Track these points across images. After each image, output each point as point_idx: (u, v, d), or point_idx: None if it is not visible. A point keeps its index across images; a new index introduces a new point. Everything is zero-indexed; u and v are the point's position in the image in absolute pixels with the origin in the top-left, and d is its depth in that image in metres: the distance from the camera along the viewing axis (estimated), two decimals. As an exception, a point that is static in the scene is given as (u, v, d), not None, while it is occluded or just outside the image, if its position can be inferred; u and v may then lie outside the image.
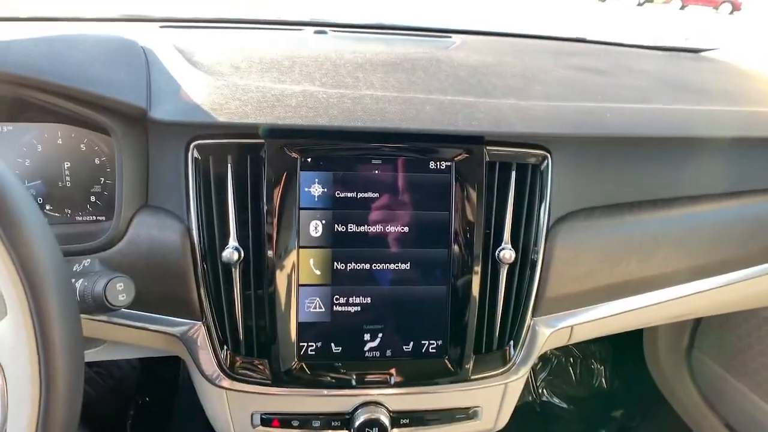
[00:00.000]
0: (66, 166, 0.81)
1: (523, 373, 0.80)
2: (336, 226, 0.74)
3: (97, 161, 0.81)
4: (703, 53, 1.25)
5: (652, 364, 1.63)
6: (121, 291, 0.57)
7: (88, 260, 0.62)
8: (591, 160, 0.82)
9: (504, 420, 0.86)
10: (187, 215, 0.73)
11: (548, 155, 0.78)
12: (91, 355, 1.05)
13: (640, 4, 18.91)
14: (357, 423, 0.78)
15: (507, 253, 0.76)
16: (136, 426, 1.49)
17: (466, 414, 0.83)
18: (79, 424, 1.18)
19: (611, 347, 1.79)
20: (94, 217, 0.82)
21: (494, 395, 0.83)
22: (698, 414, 1.49)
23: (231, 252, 0.71)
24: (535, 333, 0.80)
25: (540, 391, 1.74)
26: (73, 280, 0.59)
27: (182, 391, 1.57)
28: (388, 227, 0.75)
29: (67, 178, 0.82)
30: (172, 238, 0.72)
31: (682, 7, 18.66)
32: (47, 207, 0.82)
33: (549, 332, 0.81)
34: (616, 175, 0.83)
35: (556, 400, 1.76)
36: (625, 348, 1.75)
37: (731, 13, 18.10)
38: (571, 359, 1.79)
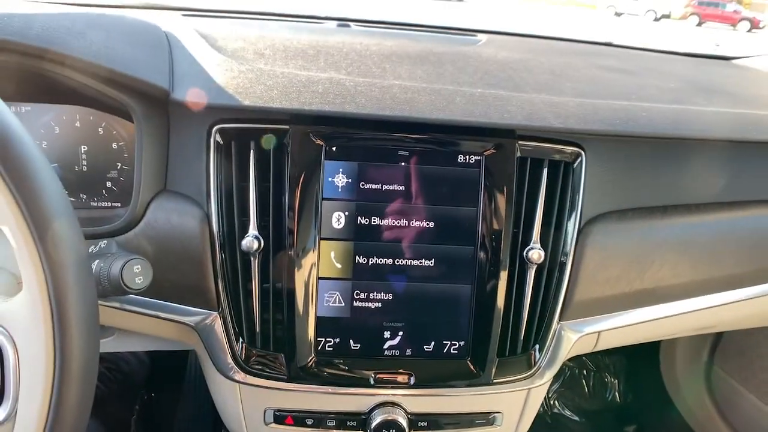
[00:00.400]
0: (83, 150, 0.80)
1: (548, 378, 0.77)
2: (359, 218, 0.72)
3: (114, 146, 0.80)
4: (734, 61, 1.22)
5: (668, 377, 1.58)
6: (138, 273, 0.55)
7: (105, 242, 0.60)
8: (624, 160, 0.79)
9: (525, 428, 0.82)
10: (207, 201, 0.70)
11: (582, 153, 0.75)
12: (103, 345, 1.03)
13: (656, 20, 18.88)
14: (374, 424, 0.75)
15: (536, 253, 0.73)
16: (141, 420, 1.47)
17: (486, 419, 0.79)
18: (95, 416, 1.15)
19: (626, 360, 1.75)
20: (110, 204, 0.80)
21: (516, 401, 0.80)
22: (714, 431, 1.44)
23: (251, 241, 0.69)
24: (561, 338, 0.77)
25: (551, 402, 1.70)
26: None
27: (189, 387, 1.54)
28: (413, 221, 0.72)
29: (84, 163, 0.80)
30: (191, 224, 0.70)
31: (699, 23, 18.61)
32: (63, 191, 0.80)
33: (576, 337, 0.78)
34: (649, 176, 0.80)
35: (567, 413, 1.71)
36: (640, 361, 1.70)
37: (749, 30, 18.01)
38: (584, 371, 1.75)
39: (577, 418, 1.71)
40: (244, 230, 0.70)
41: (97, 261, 0.56)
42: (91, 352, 0.44)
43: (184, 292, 0.72)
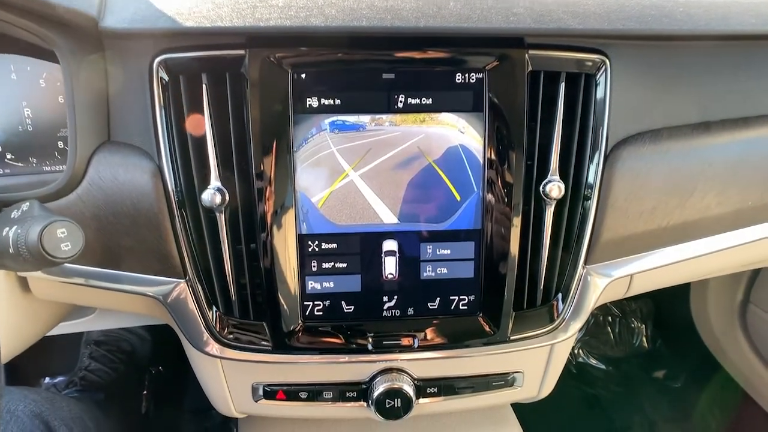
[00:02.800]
0: (25, 106, 0.68)
1: (573, 331, 0.67)
2: (340, 159, 0.60)
3: (61, 99, 0.68)
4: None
5: (700, 320, 1.48)
6: (63, 238, 0.45)
7: (27, 204, 0.50)
8: (657, 68, 0.65)
9: (549, 387, 0.73)
10: (157, 151, 0.59)
11: (606, 61, 0.62)
12: (83, 324, 0.96)
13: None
14: (376, 393, 0.66)
15: (554, 187, 0.61)
16: (151, 394, 1.44)
17: (505, 381, 0.70)
18: (100, 401, 1.12)
19: (653, 303, 1.65)
20: (64, 166, 0.70)
21: (538, 358, 0.70)
22: (752, 373, 1.36)
23: (212, 194, 0.58)
24: (588, 284, 0.66)
25: (576, 351, 1.61)
26: (7, 229, 0.46)
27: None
28: (405, 158, 0.60)
29: (29, 121, 0.69)
30: (141, 179, 0.59)
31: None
32: (8, 156, 0.69)
33: (604, 283, 0.66)
34: (688, 88, 0.67)
35: (593, 361, 1.63)
36: (669, 304, 1.60)
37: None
38: (609, 318, 1.65)
39: (603, 367, 1.63)
40: (205, 183, 0.59)
41: (14, 227, 0.46)
42: None
43: (145, 259, 0.62)
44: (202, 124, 0.59)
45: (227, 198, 0.59)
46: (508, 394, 0.71)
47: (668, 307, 1.61)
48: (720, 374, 1.45)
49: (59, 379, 1.36)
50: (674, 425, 1.51)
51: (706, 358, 1.47)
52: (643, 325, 1.65)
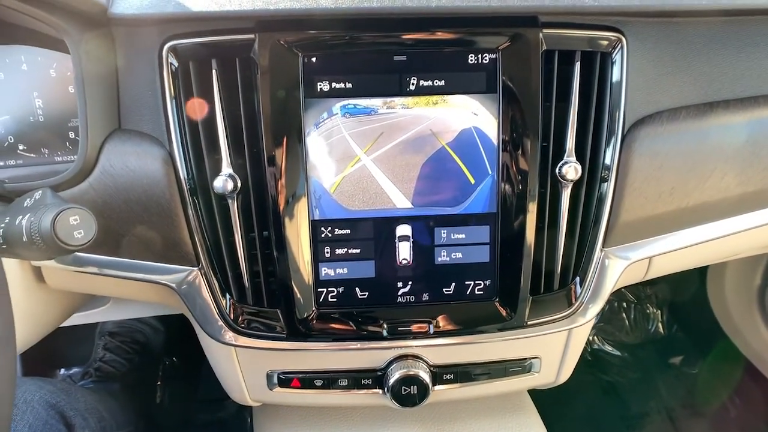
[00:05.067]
0: (36, 96, 0.68)
1: (592, 316, 0.65)
2: (353, 144, 0.59)
3: (71, 89, 0.68)
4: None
5: (717, 305, 1.46)
6: (76, 226, 0.44)
7: (39, 192, 0.50)
8: (676, 46, 0.63)
9: (567, 373, 0.72)
10: (168, 138, 0.59)
11: (622, 39, 0.60)
12: (97, 314, 0.97)
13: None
14: (392, 380, 0.65)
15: (571, 169, 0.60)
16: (165, 385, 1.46)
17: (522, 367, 0.69)
18: (116, 392, 1.12)
19: (668, 289, 1.63)
20: (75, 156, 0.70)
21: (556, 343, 0.69)
22: (771, 356, 1.33)
23: (224, 180, 0.57)
24: (606, 267, 0.65)
25: (591, 338, 1.60)
26: (20, 218, 0.46)
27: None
28: (418, 142, 0.59)
29: (40, 112, 0.69)
30: (153, 166, 0.59)
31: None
32: (20, 147, 0.69)
33: (623, 266, 0.65)
34: (708, 65, 0.64)
35: (608, 348, 1.62)
36: (685, 289, 1.58)
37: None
38: (624, 304, 1.63)
39: (618, 353, 1.61)
40: (216, 169, 0.59)
41: (27, 215, 0.45)
42: None
43: (157, 247, 0.62)
44: (213, 111, 0.58)
45: (239, 184, 0.58)
46: (525, 381, 0.71)
47: (684, 293, 1.59)
48: (738, 359, 1.42)
49: (74, 370, 1.38)
50: (692, 411, 1.49)
51: (723, 343, 1.45)
52: (659, 311, 1.63)
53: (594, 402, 1.51)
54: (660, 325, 1.63)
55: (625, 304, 1.63)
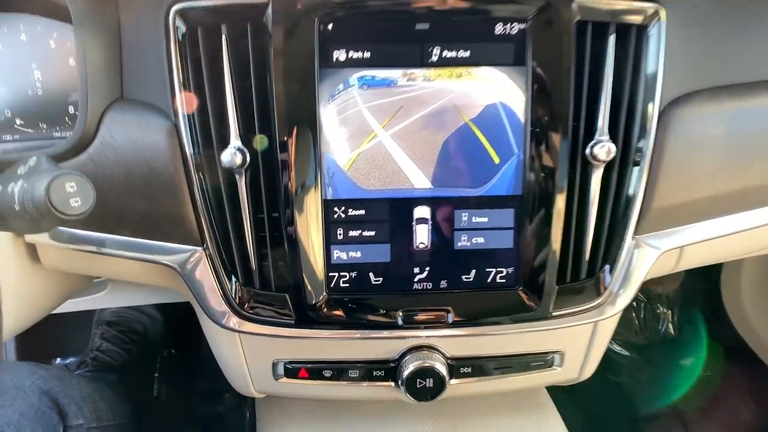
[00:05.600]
0: (34, 68, 0.64)
1: (621, 307, 0.62)
2: (370, 117, 0.55)
3: (72, 62, 0.64)
4: None
5: (731, 305, 1.42)
6: (72, 193, 0.40)
7: (34, 158, 0.46)
8: (718, 20, 0.59)
9: (591, 368, 0.68)
10: (174, 108, 0.55)
11: (660, 11, 0.56)
12: (95, 301, 0.93)
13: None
14: (406, 372, 0.61)
15: (603, 149, 0.56)
16: (163, 376, 1.43)
17: (544, 361, 0.65)
18: (112, 382, 1.09)
19: (680, 288, 1.59)
20: (75, 132, 0.66)
21: (581, 337, 0.65)
22: (788, 360, 1.30)
23: (233, 154, 0.53)
24: (638, 255, 0.61)
25: (600, 337, 1.55)
26: (12, 184, 0.42)
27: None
28: (441, 116, 0.55)
29: (38, 85, 0.65)
30: (156, 138, 0.55)
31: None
32: (17, 122, 0.66)
33: (656, 254, 0.61)
34: (753, 41, 0.60)
35: (616, 347, 1.58)
36: (698, 289, 1.54)
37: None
38: (634, 303, 1.59)
39: (627, 353, 1.57)
40: (224, 142, 0.55)
41: (20, 182, 0.42)
42: None
43: (160, 225, 0.58)
44: (221, 80, 0.54)
45: (248, 159, 0.55)
46: (546, 376, 0.67)
47: (696, 292, 1.55)
48: (752, 361, 1.39)
49: (70, 360, 1.34)
50: (703, 415, 1.46)
51: (736, 344, 1.41)
52: (669, 311, 1.59)
53: (603, 403, 1.47)
54: (670, 325, 1.59)
55: (634, 303, 1.59)
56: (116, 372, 1.24)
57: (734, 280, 1.39)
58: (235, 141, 0.54)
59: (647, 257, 0.61)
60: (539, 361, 0.65)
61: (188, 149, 0.55)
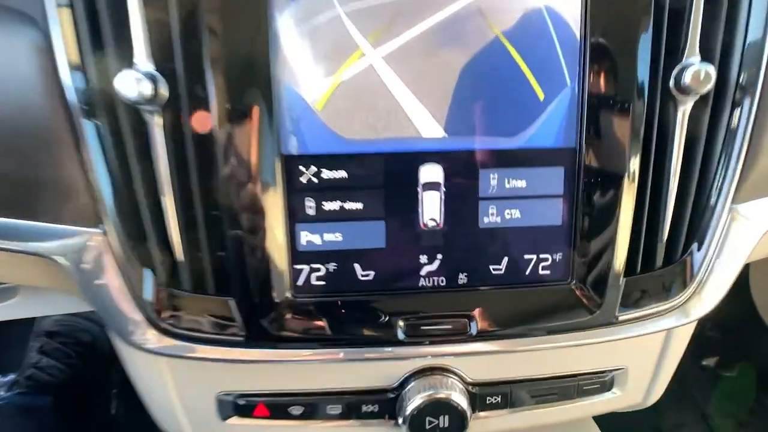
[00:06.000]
0: None
1: (713, 304, 0.44)
2: (351, 28, 0.36)
3: None
4: None
5: (761, 299, 1.29)
6: None
7: None
8: None
9: (660, 391, 0.50)
10: (43, 11, 0.35)
11: None
12: (6, 311, 0.73)
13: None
14: (410, 407, 0.43)
15: (695, 74, 0.38)
16: (121, 394, 1.25)
17: (601, 383, 0.47)
18: (47, 405, 0.92)
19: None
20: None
21: (650, 348, 0.48)
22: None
23: (137, 80, 0.34)
24: (736, 231, 0.43)
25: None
26: None
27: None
28: (459, 28, 0.37)
29: None
30: (20, 59, 0.35)
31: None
32: None
33: (761, 230, 0.43)
34: None
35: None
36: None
37: None
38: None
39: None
40: (126, 61, 0.35)
41: None
42: None
43: (34, 195, 0.38)
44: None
45: (165, 92, 0.35)
46: (601, 404, 0.49)
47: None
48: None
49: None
50: (732, 420, 1.31)
51: (762, 331, 1.28)
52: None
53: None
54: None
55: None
56: (56, 393, 1.05)
57: (763, 273, 1.25)
58: (143, 61, 0.35)
59: (749, 234, 0.43)
60: (593, 383, 0.47)
61: (67, 74, 0.35)
